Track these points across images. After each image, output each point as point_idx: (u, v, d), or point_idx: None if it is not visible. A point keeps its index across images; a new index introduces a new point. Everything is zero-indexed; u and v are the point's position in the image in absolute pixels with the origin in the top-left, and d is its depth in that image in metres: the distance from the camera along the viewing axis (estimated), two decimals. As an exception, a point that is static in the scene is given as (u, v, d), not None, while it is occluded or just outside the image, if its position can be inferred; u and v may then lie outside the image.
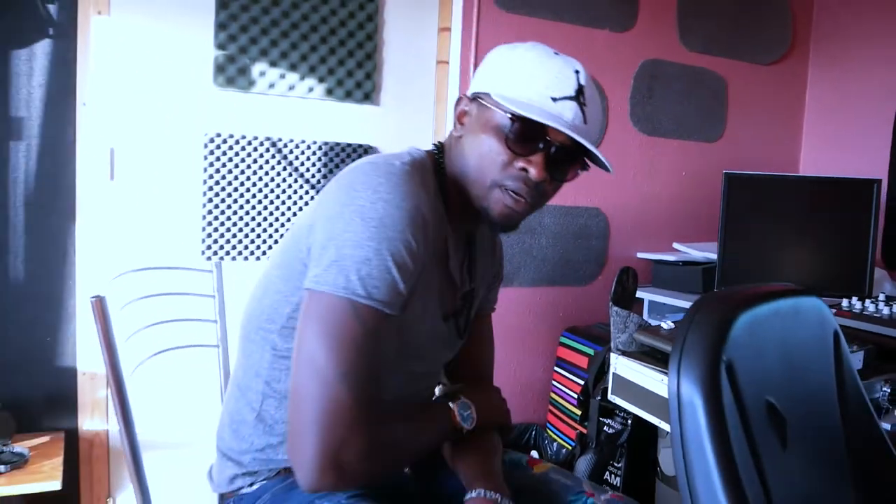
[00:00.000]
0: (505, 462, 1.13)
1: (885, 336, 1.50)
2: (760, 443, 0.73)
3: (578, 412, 2.01)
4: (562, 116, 0.88)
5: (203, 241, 1.89)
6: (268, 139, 1.92)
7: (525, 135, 0.89)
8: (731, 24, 2.50)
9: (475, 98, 0.95)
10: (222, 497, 1.04)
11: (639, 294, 2.18)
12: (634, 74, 2.32)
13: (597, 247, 2.32)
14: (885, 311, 1.61)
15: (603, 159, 0.91)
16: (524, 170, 0.89)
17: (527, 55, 0.92)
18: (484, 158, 0.91)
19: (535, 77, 0.90)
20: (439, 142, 1.02)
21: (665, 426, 1.53)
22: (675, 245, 2.33)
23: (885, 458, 0.92)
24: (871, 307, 1.64)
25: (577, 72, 0.91)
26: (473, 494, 0.96)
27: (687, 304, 2.02)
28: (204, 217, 1.88)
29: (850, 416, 0.90)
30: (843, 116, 2.60)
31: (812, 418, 0.84)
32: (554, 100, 0.89)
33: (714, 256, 2.12)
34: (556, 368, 2.22)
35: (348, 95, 1.96)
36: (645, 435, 1.85)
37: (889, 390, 1.43)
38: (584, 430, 1.97)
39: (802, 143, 2.75)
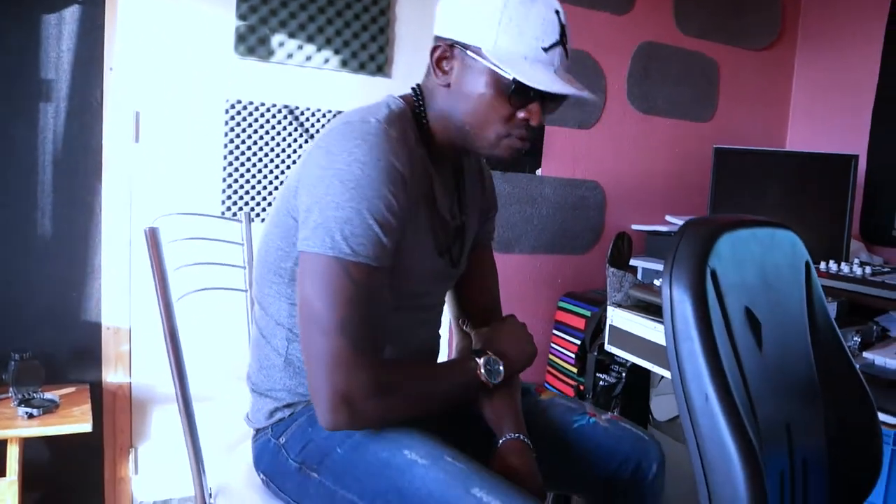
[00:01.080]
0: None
1: (856, 293, 1.63)
2: (740, 341, 0.85)
3: (575, 370, 2.14)
4: (553, 64, 0.96)
5: (223, 202, 1.99)
6: (286, 107, 2.03)
7: (526, 92, 0.95)
8: (724, 11, 2.62)
9: (460, 46, 0.97)
10: (258, 433, 1.12)
11: (633, 262, 2.30)
12: (632, 55, 2.44)
13: (594, 217, 2.44)
14: (859, 271, 1.74)
15: (586, 95, 0.98)
16: (526, 119, 0.98)
17: (522, 3, 0.95)
18: (486, 114, 0.97)
19: (524, 28, 0.94)
20: (418, 85, 1.06)
21: (658, 371, 1.65)
22: (668, 217, 2.45)
23: (851, 377, 1.04)
24: (846, 268, 1.77)
25: (557, 12, 0.97)
26: (509, 437, 1.05)
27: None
28: (224, 180, 1.99)
29: (820, 338, 1.02)
30: (827, 99, 2.74)
31: (785, 329, 0.96)
32: (545, 49, 0.95)
33: (704, 228, 2.24)
34: (554, 331, 2.34)
35: (362, 67, 2.07)
36: (638, 385, 1.98)
37: (860, 339, 1.56)
38: (582, 387, 2.09)
39: (789, 123, 2.89)
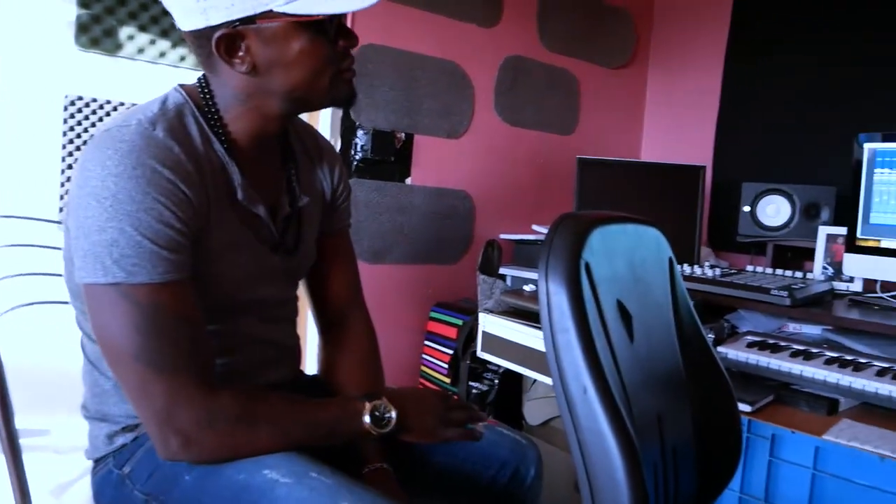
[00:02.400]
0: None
1: (708, 293, 1.73)
2: (613, 333, 0.85)
3: (448, 379, 2.12)
4: None
5: (62, 209, 1.80)
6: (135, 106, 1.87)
7: (335, 23, 0.93)
8: (584, 31, 2.74)
9: (244, 24, 0.88)
10: (97, 464, 1.01)
11: (502, 271, 2.33)
12: (499, 68, 2.48)
13: (463, 227, 2.45)
14: (710, 273, 1.85)
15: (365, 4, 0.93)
16: (346, 45, 0.95)
17: None
18: (312, 67, 0.92)
19: None
20: (204, 79, 0.96)
21: (531, 375, 1.66)
22: (534, 226, 2.51)
23: (713, 369, 1.08)
24: (698, 271, 1.88)
25: None
26: (370, 469, 1.02)
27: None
28: (63, 185, 1.80)
29: (684, 331, 1.06)
30: (676, 114, 2.94)
31: (653, 322, 0.98)
32: None
33: (568, 236, 2.31)
34: (425, 342, 2.31)
35: (182, 60, 1.93)
36: (510, 392, 1.99)
37: (713, 336, 1.66)
38: (456, 396, 2.07)
39: (643, 136, 3.07)
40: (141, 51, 1.86)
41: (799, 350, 1.47)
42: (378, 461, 1.03)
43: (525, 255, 2.42)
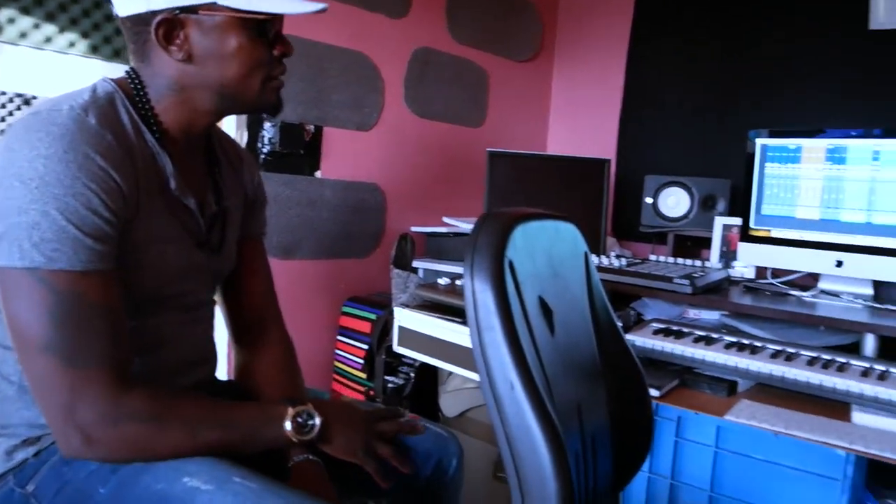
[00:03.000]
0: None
1: (615, 282, 1.80)
2: (536, 329, 0.87)
3: (364, 374, 2.10)
4: None
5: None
6: (19, 96, 1.73)
7: (274, 26, 0.95)
8: (493, 24, 2.77)
9: (186, 11, 0.89)
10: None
11: (414, 264, 2.33)
12: (409, 60, 2.47)
13: (374, 220, 2.43)
14: (616, 263, 1.92)
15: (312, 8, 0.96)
16: (282, 53, 0.97)
17: None
18: (247, 65, 0.93)
19: None
20: (133, 71, 0.96)
21: (447, 368, 1.67)
22: (445, 219, 2.52)
23: (626, 358, 1.12)
24: (605, 261, 1.95)
25: None
26: (298, 459, 0.99)
27: (458, 270, 2.22)
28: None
29: (599, 322, 1.09)
30: (581, 108, 3.03)
31: (572, 315, 1.01)
32: None
33: (480, 228, 2.34)
34: (339, 337, 2.28)
35: (116, 55, 1.84)
36: (426, 384, 2.00)
37: (622, 323, 1.73)
38: (372, 391, 2.06)
39: (549, 129, 3.14)
40: (23, 35, 1.72)
41: (701, 336, 1.56)
42: (304, 451, 1.01)
43: (437, 247, 2.43)
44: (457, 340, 1.62)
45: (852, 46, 2.27)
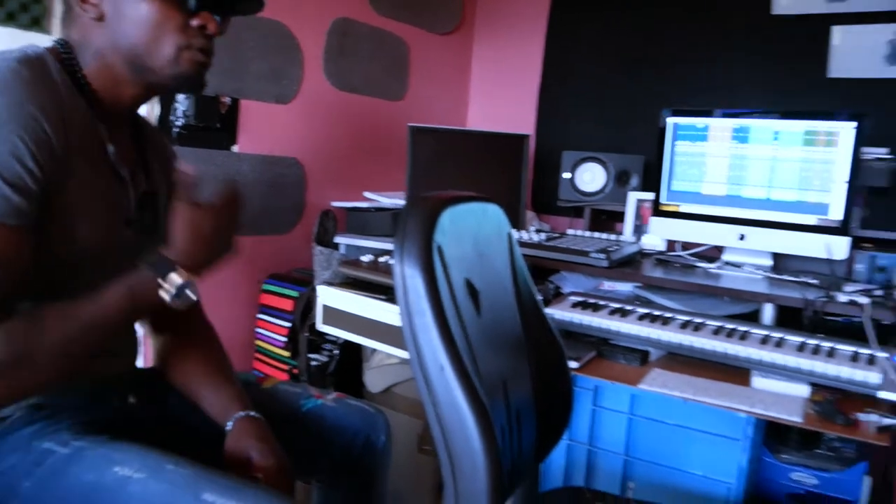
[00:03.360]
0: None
1: (535, 257, 1.85)
2: (463, 310, 0.89)
3: (287, 353, 2.08)
4: None
5: None
6: None
7: None
8: (414, -5, 2.75)
9: None
10: None
11: (335, 240, 2.32)
12: (328, 31, 2.42)
13: (294, 195, 2.39)
14: (536, 238, 1.97)
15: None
16: (203, 27, 0.94)
17: None
18: (157, 28, 0.91)
19: None
20: (62, 40, 0.95)
21: (372, 345, 1.68)
22: (366, 193, 2.51)
23: (546, 332, 1.17)
24: (525, 236, 2.00)
25: None
26: (241, 414, 0.99)
27: (380, 246, 2.22)
28: None
29: (522, 299, 1.13)
30: (501, 83, 3.06)
31: (497, 293, 1.04)
32: None
33: (401, 202, 2.35)
34: (259, 315, 2.25)
35: (11, 18, 1.71)
36: (350, 361, 2.00)
37: (542, 297, 1.78)
38: (296, 370, 2.05)
39: (469, 103, 3.16)
40: None
41: (616, 308, 1.63)
42: (241, 407, 1.01)
43: (358, 222, 2.42)
44: (381, 318, 1.63)
45: (756, 30, 2.39)
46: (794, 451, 1.58)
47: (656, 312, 1.60)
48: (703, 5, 2.50)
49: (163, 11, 0.91)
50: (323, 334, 1.98)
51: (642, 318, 1.57)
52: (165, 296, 0.88)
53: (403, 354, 1.42)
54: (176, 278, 0.88)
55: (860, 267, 1.76)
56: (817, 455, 1.56)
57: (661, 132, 1.99)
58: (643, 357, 1.51)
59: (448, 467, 0.81)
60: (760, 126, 1.85)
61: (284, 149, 2.34)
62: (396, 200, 2.42)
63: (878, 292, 1.55)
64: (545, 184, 2.73)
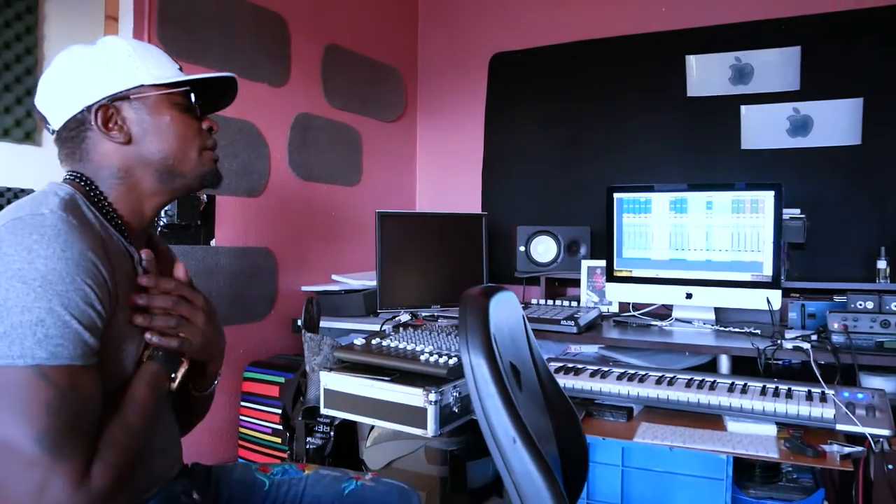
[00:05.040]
0: (275, 472, 1.26)
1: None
2: (511, 388, 1.04)
3: (277, 439, 2.14)
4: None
5: None
6: None
7: (197, 101, 1.06)
8: (362, 88, 2.95)
9: (119, 98, 0.99)
10: None
11: (321, 325, 2.41)
12: (291, 125, 2.57)
13: (268, 283, 2.48)
14: (509, 309, 2.14)
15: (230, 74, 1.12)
16: (210, 128, 1.09)
17: (135, 46, 1.03)
18: (183, 134, 1.03)
19: (157, 58, 1.04)
20: (76, 172, 1.00)
21: (376, 423, 1.78)
22: (334, 276, 2.63)
23: (562, 400, 1.32)
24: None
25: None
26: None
27: (353, 326, 2.34)
28: None
29: (539, 371, 1.28)
30: (445, 165, 3.29)
31: (526, 370, 1.20)
32: (180, 69, 1.07)
33: (369, 283, 2.48)
34: (242, 403, 2.29)
35: (6, 134, 1.77)
36: (347, 440, 2.08)
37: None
38: (286, 455, 2.10)
39: (416, 185, 3.36)
40: None
41: (594, 370, 1.81)
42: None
43: (329, 305, 2.52)
44: (382, 397, 1.73)
45: (677, 109, 2.72)
46: (759, 486, 1.78)
47: (631, 371, 1.79)
48: (627, 89, 2.83)
49: (183, 121, 1.04)
50: (315, 417, 2.05)
51: (620, 377, 1.76)
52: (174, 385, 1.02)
53: (414, 431, 1.54)
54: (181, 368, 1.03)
55: (793, 315, 2.03)
56: (780, 487, 1.76)
57: (609, 207, 2.23)
58: (629, 413, 1.69)
59: (525, 527, 0.94)
60: (695, 198, 2.12)
61: (256, 239, 2.44)
62: (364, 281, 2.54)
63: (814, 337, 1.81)
64: (499, 257, 2.93)
